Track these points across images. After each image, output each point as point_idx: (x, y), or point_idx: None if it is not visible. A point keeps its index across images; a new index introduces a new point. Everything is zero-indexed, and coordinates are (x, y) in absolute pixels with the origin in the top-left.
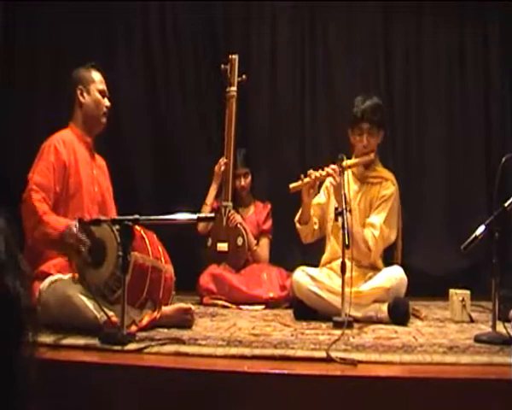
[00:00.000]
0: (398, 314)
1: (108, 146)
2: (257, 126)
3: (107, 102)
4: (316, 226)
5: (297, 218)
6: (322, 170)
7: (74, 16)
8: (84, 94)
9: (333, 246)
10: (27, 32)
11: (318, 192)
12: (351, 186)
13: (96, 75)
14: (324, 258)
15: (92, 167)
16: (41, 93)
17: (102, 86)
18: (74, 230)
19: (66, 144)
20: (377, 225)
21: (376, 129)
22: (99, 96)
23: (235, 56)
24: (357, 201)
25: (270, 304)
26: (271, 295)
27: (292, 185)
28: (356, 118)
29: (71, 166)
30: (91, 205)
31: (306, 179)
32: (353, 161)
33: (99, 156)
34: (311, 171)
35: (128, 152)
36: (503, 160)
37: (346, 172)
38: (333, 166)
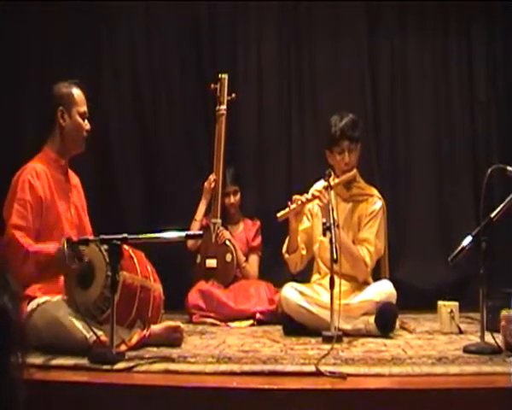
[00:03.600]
0: (385, 317)
1: (96, 164)
2: (245, 144)
3: (87, 126)
4: (303, 252)
5: (284, 249)
6: (307, 193)
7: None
8: (65, 116)
9: (322, 268)
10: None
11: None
12: (337, 206)
13: (79, 96)
14: (314, 278)
15: (68, 191)
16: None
17: (84, 108)
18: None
19: (40, 176)
20: (371, 240)
21: (355, 144)
22: (80, 120)
23: (225, 75)
24: (342, 219)
25: (258, 317)
26: (259, 308)
27: (279, 214)
28: (335, 137)
29: (47, 199)
30: (70, 230)
31: (293, 206)
32: (338, 180)
33: (73, 173)
34: (296, 196)
35: (116, 170)
36: (489, 171)
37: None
38: (317, 187)
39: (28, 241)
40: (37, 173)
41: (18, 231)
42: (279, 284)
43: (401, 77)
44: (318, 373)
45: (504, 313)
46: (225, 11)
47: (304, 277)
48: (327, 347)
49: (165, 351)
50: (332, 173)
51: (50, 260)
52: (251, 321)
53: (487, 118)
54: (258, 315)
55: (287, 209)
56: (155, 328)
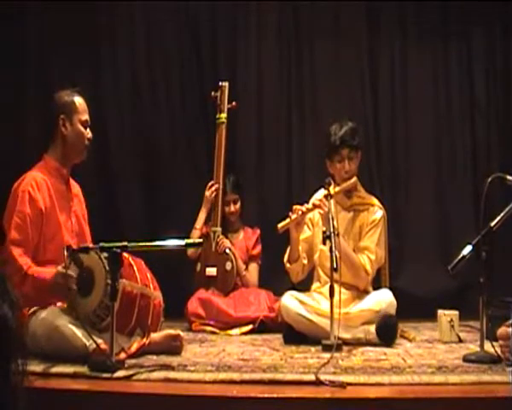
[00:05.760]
0: (386, 330)
1: (95, 171)
2: (244, 152)
3: (89, 134)
4: (305, 261)
5: (286, 258)
6: (307, 203)
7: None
8: (67, 125)
9: (322, 276)
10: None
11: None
12: (338, 215)
13: (80, 104)
14: (314, 287)
15: (69, 200)
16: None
17: (85, 117)
18: (61, 270)
19: (40, 187)
20: (372, 249)
21: (355, 152)
22: (81, 129)
23: (226, 83)
24: (343, 228)
25: (258, 324)
26: (259, 314)
27: (280, 225)
28: (335, 146)
29: (47, 210)
30: (71, 239)
31: (294, 216)
32: (338, 188)
33: (74, 182)
34: (296, 206)
35: (115, 178)
36: (489, 179)
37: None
38: (317, 196)
39: (26, 261)
40: (37, 184)
41: (16, 247)
42: (279, 293)
43: (401, 78)
44: (318, 382)
45: (501, 330)
46: (225, 11)
47: (304, 285)
48: (327, 355)
49: (164, 359)
50: (332, 182)
51: (47, 286)
52: (250, 326)
53: (487, 121)
54: (261, 318)
55: (287, 220)
56: (155, 336)
